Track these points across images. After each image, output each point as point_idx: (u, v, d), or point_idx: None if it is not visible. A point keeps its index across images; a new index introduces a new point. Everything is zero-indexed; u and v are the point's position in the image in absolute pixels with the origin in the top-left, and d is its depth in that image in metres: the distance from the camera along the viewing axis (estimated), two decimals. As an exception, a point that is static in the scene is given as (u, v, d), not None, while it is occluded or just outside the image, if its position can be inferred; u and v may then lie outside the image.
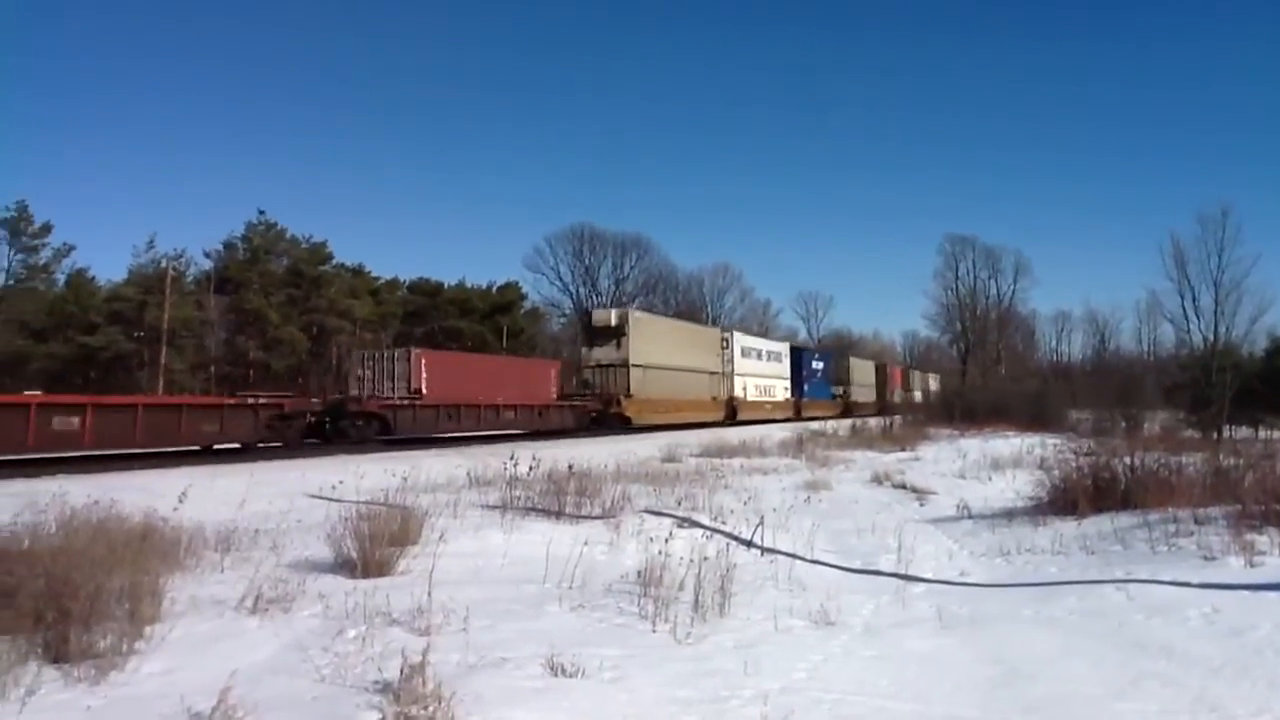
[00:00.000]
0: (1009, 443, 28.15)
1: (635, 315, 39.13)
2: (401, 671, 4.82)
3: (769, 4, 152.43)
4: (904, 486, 17.05)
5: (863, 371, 74.31)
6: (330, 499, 11.78)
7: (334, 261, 60.69)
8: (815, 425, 37.92)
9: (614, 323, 37.49)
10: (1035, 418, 40.47)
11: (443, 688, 4.72)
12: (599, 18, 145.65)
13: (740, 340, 50.66)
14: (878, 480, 17.82)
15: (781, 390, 55.42)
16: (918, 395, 77.70)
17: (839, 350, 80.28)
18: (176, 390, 45.35)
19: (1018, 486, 14.84)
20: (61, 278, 52.35)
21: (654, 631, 6.61)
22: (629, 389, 36.83)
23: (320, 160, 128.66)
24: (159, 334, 47.57)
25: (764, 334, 71.43)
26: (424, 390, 27.53)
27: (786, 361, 57.27)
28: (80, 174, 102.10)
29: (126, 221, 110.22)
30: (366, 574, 7.75)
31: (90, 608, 5.49)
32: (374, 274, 65.46)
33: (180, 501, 8.63)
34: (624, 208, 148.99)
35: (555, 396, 34.35)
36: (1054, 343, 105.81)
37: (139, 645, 5.45)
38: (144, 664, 5.28)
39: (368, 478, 13.59)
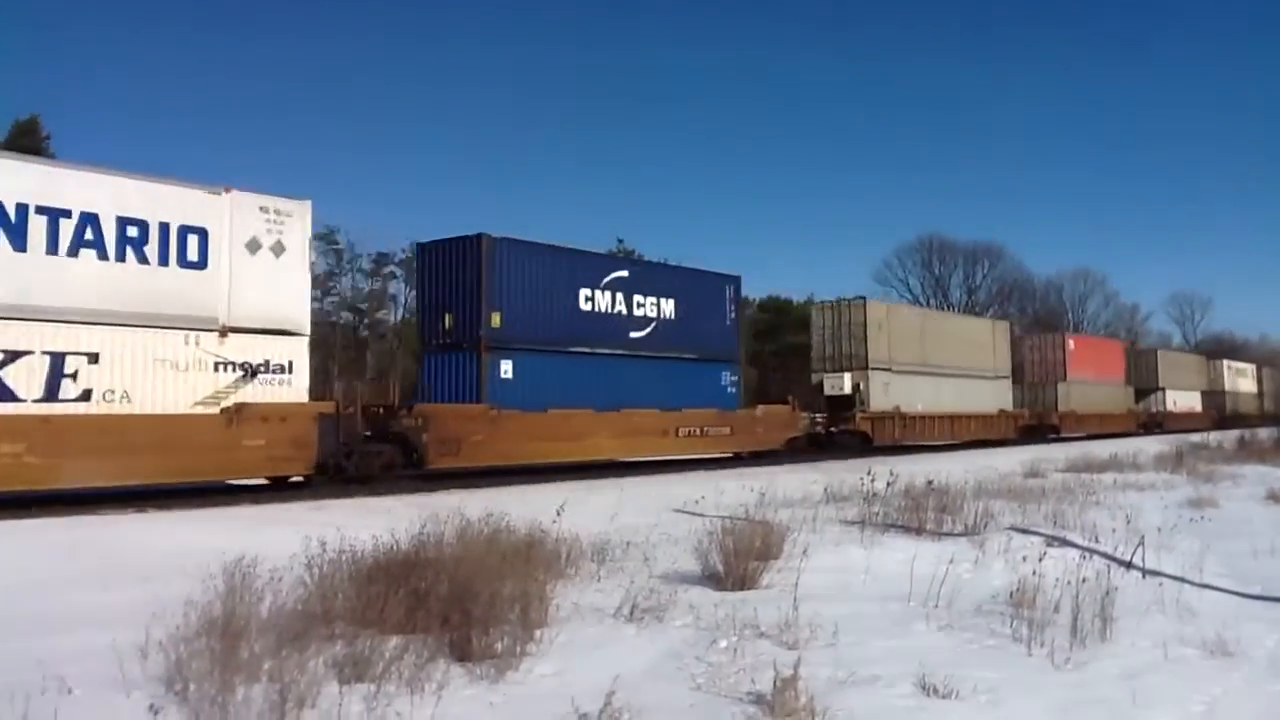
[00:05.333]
0: None
1: None
2: (775, 684, 4.88)
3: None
4: (1306, 503, 15.08)
5: (935, 337, 35.72)
6: (693, 513, 12.18)
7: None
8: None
9: None
10: None
11: (815, 702, 4.75)
12: (952, 26, 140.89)
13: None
14: (1274, 497, 15.83)
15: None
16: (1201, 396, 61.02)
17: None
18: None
19: None
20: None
21: (1029, 655, 6.24)
22: None
23: (673, 188, 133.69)
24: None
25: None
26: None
27: None
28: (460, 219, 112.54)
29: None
30: (732, 586, 7.95)
31: (488, 612, 5.98)
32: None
33: (558, 515, 9.22)
34: (975, 215, 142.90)
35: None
36: None
37: (530, 648, 5.85)
38: (536, 665, 5.68)
39: (727, 494, 13.95)
